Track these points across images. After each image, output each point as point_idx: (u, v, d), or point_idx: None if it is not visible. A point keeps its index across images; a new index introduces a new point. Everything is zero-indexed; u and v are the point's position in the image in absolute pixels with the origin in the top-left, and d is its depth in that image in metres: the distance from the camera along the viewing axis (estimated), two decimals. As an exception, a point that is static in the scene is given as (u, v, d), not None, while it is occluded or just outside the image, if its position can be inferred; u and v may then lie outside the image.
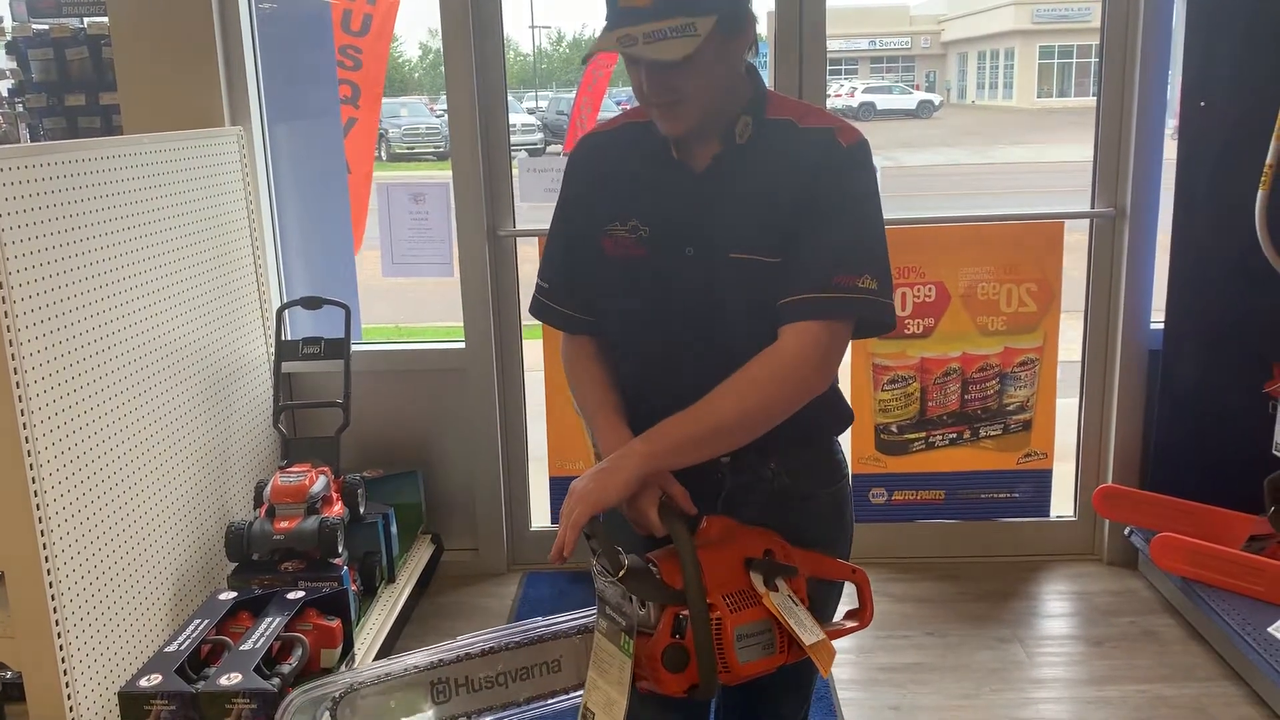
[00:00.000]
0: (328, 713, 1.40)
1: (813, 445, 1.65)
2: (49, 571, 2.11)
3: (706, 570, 1.40)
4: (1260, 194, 2.87)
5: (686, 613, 1.38)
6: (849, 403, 1.70)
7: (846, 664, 2.86)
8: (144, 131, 2.77)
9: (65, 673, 2.14)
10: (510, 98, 3.28)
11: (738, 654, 1.40)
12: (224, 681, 2.17)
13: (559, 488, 3.46)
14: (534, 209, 3.26)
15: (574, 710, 1.46)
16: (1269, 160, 2.85)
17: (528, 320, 3.39)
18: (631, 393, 1.64)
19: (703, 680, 1.39)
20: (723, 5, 1.44)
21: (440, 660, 1.44)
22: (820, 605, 1.60)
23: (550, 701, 1.46)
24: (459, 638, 1.49)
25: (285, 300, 3.28)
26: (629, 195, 1.57)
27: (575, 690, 1.48)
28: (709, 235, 1.52)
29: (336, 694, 1.41)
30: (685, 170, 1.54)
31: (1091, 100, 3.28)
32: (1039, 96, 27.35)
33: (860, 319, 1.50)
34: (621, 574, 1.39)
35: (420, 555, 3.24)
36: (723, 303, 1.53)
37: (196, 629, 2.38)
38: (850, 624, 1.61)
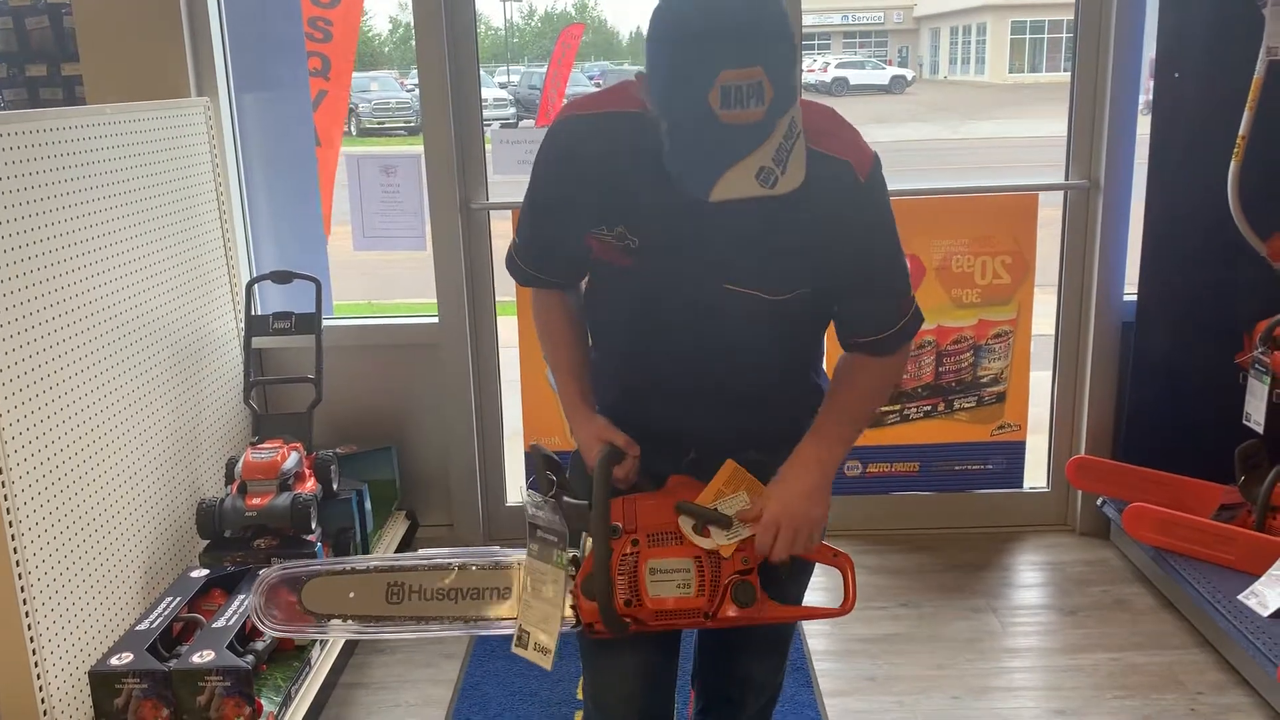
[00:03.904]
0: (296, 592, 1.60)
1: (795, 437, 1.68)
2: (15, 550, 2.07)
3: (640, 512, 1.52)
4: (1233, 166, 2.88)
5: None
6: (829, 379, 1.72)
7: (822, 635, 2.87)
8: (108, 102, 2.72)
9: (34, 653, 2.11)
10: (482, 72, 3.23)
11: (648, 586, 1.49)
12: (196, 659, 2.15)
13: (534, 463, 3.43)
14: (508, 182, 3.22)
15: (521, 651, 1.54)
16: (1241, 132, 2.86)
17: (502, 295, 3.36)
18: (619, 406, 1.65)
19: (598, 600, 1.47)
20: (797, 82, 1.31)
21: (400, 565, 1.60)
22: (793, 576, 1.62)
23: (494, 624, 1.58)
24: (421, 550, 1.64)
25: (254, 275, 3.24)
26: (617, 200, 1.47)
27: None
28: (704, 262, 1.46)
29: (304, 576, 1.60)
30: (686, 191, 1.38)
31: (1063, 75, 3.28)
32: (1011, 72, 27.41)
33: None
34: (553, 493, 1.53)
35: (395, 531, 3.22)
36: (712, 330, 1.51)
37: (168, 607, 2.36)
38: (831, 608, 1.62)
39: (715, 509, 1.51)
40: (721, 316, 1.50)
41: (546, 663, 1.50)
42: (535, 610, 1.52)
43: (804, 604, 1.73)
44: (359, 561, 1.62)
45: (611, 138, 1.47)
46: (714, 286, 1.47)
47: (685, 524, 1.51)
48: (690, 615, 1.51)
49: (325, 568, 1.61)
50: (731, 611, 1.51)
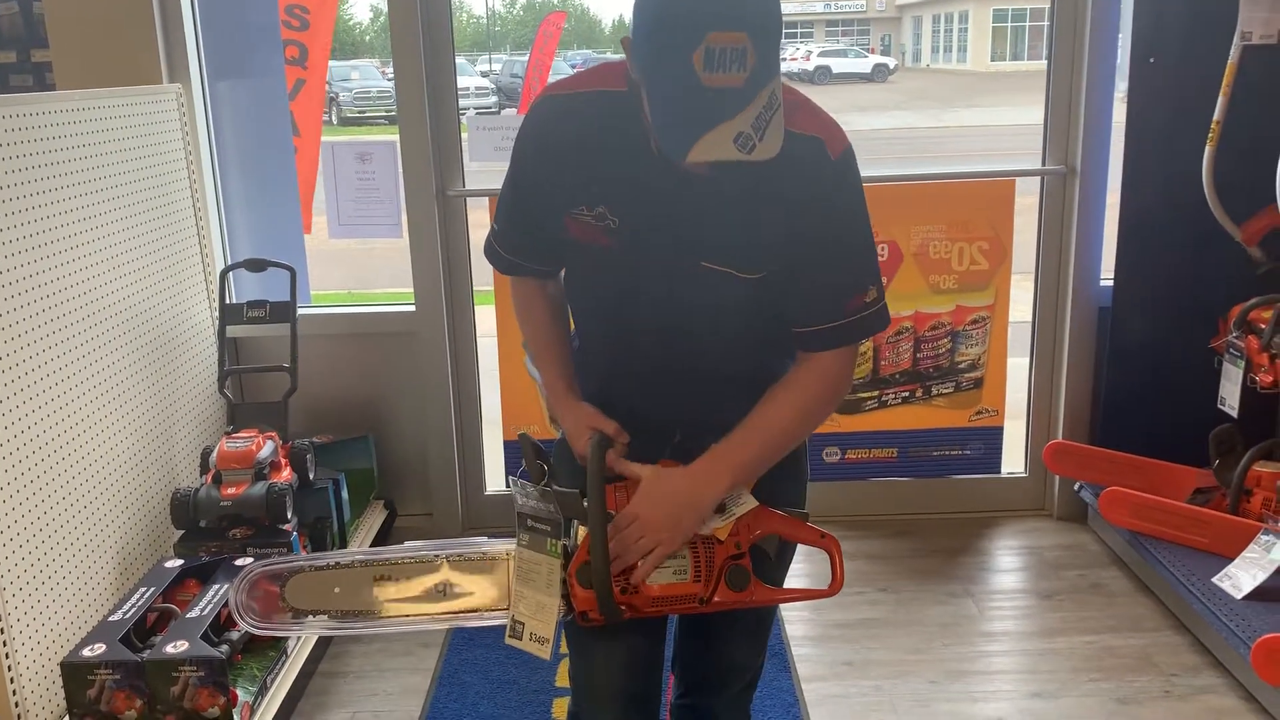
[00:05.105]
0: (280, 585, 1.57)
1: None
2: (-15, 541, 2.06)
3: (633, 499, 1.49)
4: (1207, 150, 2.89)
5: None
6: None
7: (800, 620, 2.87)
8: (78, 89, 2.69)
9: (5, 644, 2.09)
10: (464, 60, 3.22)
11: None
12: (170, 650, 2.13)
13: (513, 451, 3.43)
14: (485, 170, 3.20)
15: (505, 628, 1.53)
16: (1216, 117, 2.87)
17: (479, 284, 3.35)
18: (604, 391, 1.64)
19: (596, 588, 1.45)
20: (778, 55, 1.30)
21: (385, 559, 1.57)
22: (778, 562, 1.62)
23: (484, 616, 1.55)
24: (407, 543, 1.60)
25: (229, 263, 3.21)
26: (598, 180, 1.47)
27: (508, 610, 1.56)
28: (682, 241, 1.46)
29: (286, 573, 1.56)
30: (667, 169, 1.38)
31: (1045, 63, 3.28)
32: (993, 60, 27.44)
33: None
34: (544, 482, 1.50)
35: (373, 521, 3.21)
36: (688, 309, 1.51)
37: (142, 597, 2.34)
38: (819, 589, 1.62)
39: None
40: (699, 296, 1.49)
41: (545, 653, 1.49)
42: (528, 601, 1.51)
43: (790, 586, 1.72)
44: (342, 556, 1.60)
45: (590, 117, 1.47)
46: (691, 265, 1.47)
47: None
48: (686, 601, 1.50)
49: (308, 563, 1.58)
50: (724, 596, 1.50)
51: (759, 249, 1.46)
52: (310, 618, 1.53)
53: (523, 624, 1.50)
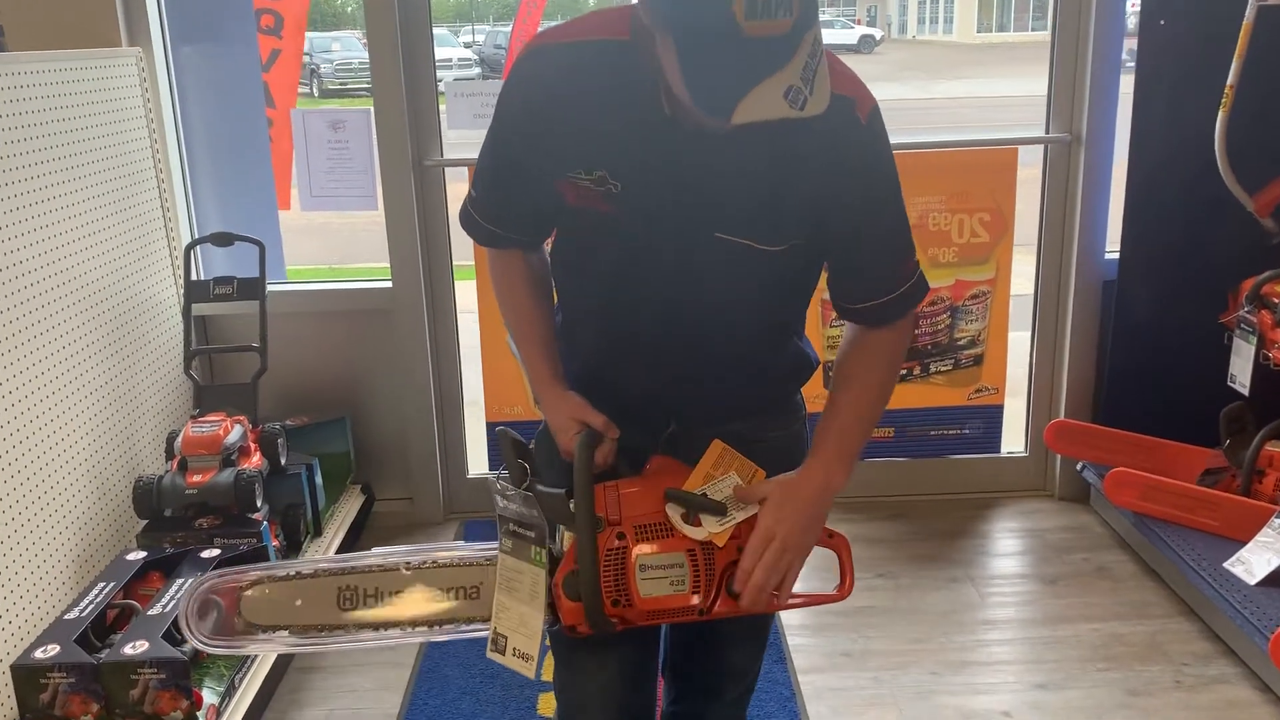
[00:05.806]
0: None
1: (777, 404, 1.58)
2: (-73, 536, 1.92)
3: (624, 501, 1.37)
4: (1220, 116, 2.76)
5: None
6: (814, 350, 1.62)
7: (796, 610, 2.76)
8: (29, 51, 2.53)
9: (-48, 645, 1.97)
10: (446, 31, 3.07)
11: (639, 584, 1.34)
12: (129, 650, 2.00)
13: (501, 449, 3.30)
14: (463, 138, 3.06)
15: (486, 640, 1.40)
16: (1230, 81, 2.74)
17: (459, 258, 3.20)
18: (591, 371, 1.50)
19: (584, 600, 1.32)
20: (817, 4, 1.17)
21: (351, 568, 1.43)
22: None
23: (464, 628, 1.42)
24: (375, 549, 1.46)
25: (195, 237, 3.06)
26: (598, 140, 1.31)
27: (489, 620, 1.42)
28: (694, 209, 1.32)
29: (243, 584, 1.43)
30: (677, 128, 1.26)
31: (1031, 35, 3.17)
32: (979, 31, 27.26)
33: None
34: (526, 484, 1.35)
35: (349, 507, 3.08)
36: (697, 284, 1.37)
37: (101, 593, 2.21)
38: (827, 593, 1.50)
39: (705, 494, 1.37)
40: (709, 269, 1.36)
41: (529, 670, 1.36)
42: (511, 612, 1.38)
43: (795, 590, 1.59)
44: (305, 565, 1.46)
45: (588, 70, 1.31)
46: (704, 235, 1.33)
47: (673, 512, 1.36)
48: (684, 613, 1.37)
49: (267, 573, 1.45)
50: (726, 605, 1.38)
51: (781, 220, 1.33)
52: (270, 634, 1.40)
53: (505, 638, 1.37)
